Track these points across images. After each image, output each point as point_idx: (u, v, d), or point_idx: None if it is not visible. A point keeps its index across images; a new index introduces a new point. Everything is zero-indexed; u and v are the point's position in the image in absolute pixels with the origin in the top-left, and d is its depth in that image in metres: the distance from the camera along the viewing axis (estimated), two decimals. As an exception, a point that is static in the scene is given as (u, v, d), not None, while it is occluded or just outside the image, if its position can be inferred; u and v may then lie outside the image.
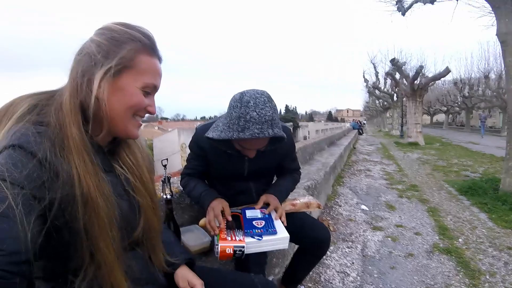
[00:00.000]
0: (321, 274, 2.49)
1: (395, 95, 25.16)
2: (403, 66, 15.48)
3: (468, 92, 28.07)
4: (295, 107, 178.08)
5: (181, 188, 1.67)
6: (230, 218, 1.39)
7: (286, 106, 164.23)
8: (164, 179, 1.42)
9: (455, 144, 14.78)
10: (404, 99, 17.94)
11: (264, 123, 1.22)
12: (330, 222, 3.71)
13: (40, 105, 0.71)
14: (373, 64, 24.92)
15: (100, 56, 0.72)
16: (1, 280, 0.50)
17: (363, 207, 4.38)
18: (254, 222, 1.40)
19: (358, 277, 2.47)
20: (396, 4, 8.41)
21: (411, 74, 14.89)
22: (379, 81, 26.33)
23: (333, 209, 4.27)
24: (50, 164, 0.63)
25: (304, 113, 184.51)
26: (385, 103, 31.04)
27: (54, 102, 0.72)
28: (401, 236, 3.33)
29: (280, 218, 1.46)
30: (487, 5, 4.97)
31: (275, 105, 1.31)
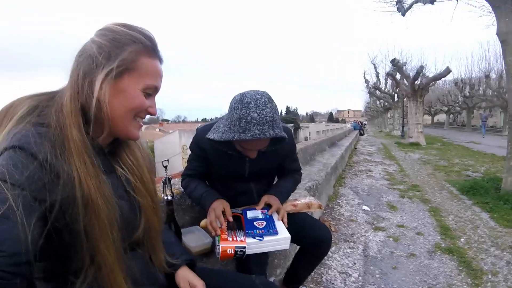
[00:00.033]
0: (322, 275, 2.49)
1: (395, 95, 25.17)
2: (404, 67, 15.48)
3: (469, 92, 28.05)
4: (296, 108, 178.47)
5: (182, 189, 1.67)
6: (231, 219, 1.39)
7: (287, 107, 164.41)
8: (165, 180, 1.43)
9: (456, 144, 14.75)
10: (405, 99, 17.94)
11: (265, 123, 1.23)
12: (331, 222, 3.70)
13: (41, 106, 0.71)
14: (374, 64, 24.94)
15: (101, 58, 0.71)
16: (1, 281, 0.51)
17: (365, 207, 4.37)
18: (255, 223, 1.40)
19: (360, 278, 2.46)
20: (396, 5, 8.42)
21: (411, 74, 14.88)
22: (380, 82, 26.34)
23: (335, 209, 4.26)
24: (51, 166, 0.63)
25: (305, 114, 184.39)
26: (386, 103, 31.03)
27: (54, 104, 0.72)
28: (402, 236, 3.32)
29: (281, 220, 1.46)
30: (487, 4, 4.97)
31: (276, 106, 1.31)
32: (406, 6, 8.27)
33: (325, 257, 1.92)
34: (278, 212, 1.50)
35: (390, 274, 2.51)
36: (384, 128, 39.57)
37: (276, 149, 1.46)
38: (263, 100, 1.25)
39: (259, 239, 1.30)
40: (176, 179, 1.90)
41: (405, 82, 15.51)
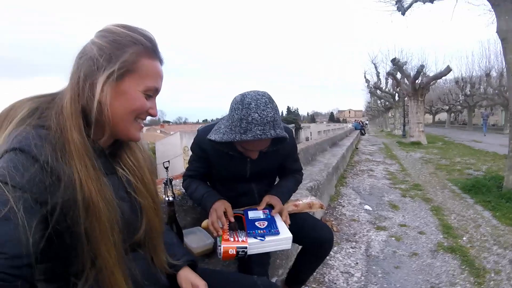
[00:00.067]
0: (325, 275, 2.48)
1: (396, 95, 25.16)
2: (404, 66, 15.45)
3: (469, 91, 28.01)
4: (297, 108, 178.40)
5: (184, 190, 1.67)
6: (232, 219, 1.39)
7: (288, 108, 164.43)
8: (166, 181, 1.43)
9: (457, 143, 14.72)
10: (406, 98, 17.94)
11: (266, 124, 1.23)
12: (333, 222, 3.70)
13: (41, 108, 0.71)
14: (374, 64, 24.95)
15: (102, 60, 0.71)
16: (3, 283, 0.51)
17: (366, 207, 4.37)
18: (256, 223, 1.39)
19: (362, 277, 2.46)
20: (396, 4, 8.41)
21: (412, 73, 14.86)
22: (381, 81, 26.34)
23: (336, 209, 4.26)
24: (52, 168, 0.63)
25: (306, 114, 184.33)
26: (387, 103, 31.03)
27: (54, 106, 0.71)
28: (405, 235, 3.32)
29: (284, 220, 1.46)
30: (487, 3, 4.96)
31: (276, 106, 1.31)
32: (406, 5, 8.27)
33: (327, 257, 1.92)
34: (280, 213, 1.50)
35: (392, 274, 2.51)
36: (385, 127, 39.49)
37: (277, 149, 1.46)
38: (264, 101, 1.25)
39: (261, 239, 1.30)
40: (178, 180, 1.91)
41: (406, 81, 15.49)
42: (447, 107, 40.82)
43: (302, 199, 1.72)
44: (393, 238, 3.23)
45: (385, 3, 8.61)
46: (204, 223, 1.50)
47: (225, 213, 1.40)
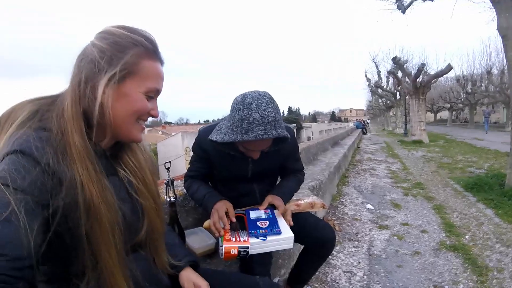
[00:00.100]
0: (327, 274, 2.48)
1: (397, 93, 25.15)
2: (405, 64, 15.45)
3: (471, 88, 27.94)
4: (298, 108, 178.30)
5: (185, 191, 1.67)
6: (234, 219, 1.39)
7: (289, 108, 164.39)
8: (168, 182, 1.43)
9: (459, 141, 14.69)
10: (407, 97, 17.91)
11: (268, 124, 1.23)
12: (335, 222, 3.70)
13: (41, 110, 0.71)
14: (375, 63, 24.96)
15: (103, 62, 0.71)
16: (4, 285, 0.51)
17: (369, 206, 4.37)
18: (258, 223, 1.39)
19: (365, 276, 2.46)
20: (396, 2, 8.41)
21: (413, 72, 14.84)
22: (382, 80, 26.33)
23: (338, 209, 4.26)
24: (53, 171, 0.63)
25: (307, 114, 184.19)
26: (388, 101, 30.99)
27: (55, 108, 0.71)
28: (407, 234, 3.31)
29: (287, 221, 1.46)
30: (487, 0, 4.95)
31: (277, 106, 1.31)
32: (406, 4, 8.27)
33: (330, 257, 1.92)
34: (284, 213, 1.50)
35: (395, 273, 2.50)
36: (387, 126, 39.44)
37: (278, 149, 1.46)
38: (265, 101, 1.25)
39: (262, 239, 1.30)
40: (179, 180, 1.91)
41: (407, 80, 15.47)
42: (449, 105, 40.75)
43: (304, 199, 1.72)
44: (396, 237, 3.23)
45: (385, 2, 8.63)
46: (206, 223, 1.50)
47: (226, 213, 1.40)
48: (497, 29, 4.70)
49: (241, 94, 1.31)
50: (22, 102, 0.72)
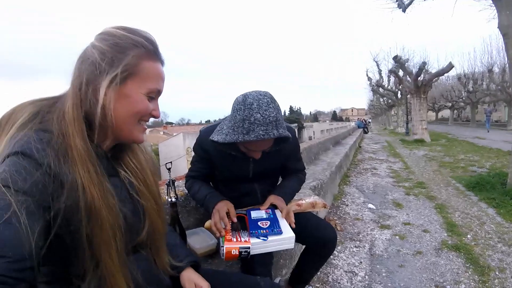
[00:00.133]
0: (329, 274, 2.48)
1: (399, 92, 25.10)
2: (406, 63, 15.41)
3: (472, 87, 27.87)
4: (300, 108, 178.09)
5: (186, 191, 1.67)
6: (235, 220, 1.39)
7: (291, 107, 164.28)
8: (169, 182, 1.43)
9: (461, 140, 14.65)
10: (409, 96, 17.89)
11: (269, 124, 1.23)
12: (337, 221, 3.69)
13: (42, 112, 0.71)
14: (376, 62, 24.95)
15: (104, 64, 0.71)
16: (5, 286, 0.51)
17: (370, 205, 4.36)
18: (259, 223, 1.39)
19: (367, 276, 2.46)
20: (397, 1, 8.39)
21: (414, 70, 14.82)
22: (383, 79, 26.32)
23: (340, 208, 4.25)
24: (55, 173, 0.63)
25: (308, 113, 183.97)
26: (390, 100, 30.98)
27: (56, 110, 0.71)
28: (409, 234, 3.31)
29: (289, 222, 1.46)
30: (488, -2, 4.95)
31: (278, 106, 1.31)
32: (406, 2, 8.25)
33: (331, 257, 1.92)
34: (286, 214, 1.50)
35: (396, 273, 2.50)
36: (388, 125, 39.38)
37: (279, 149, 1.46)
38: (266, 101, 1.25)
39: (264, 239, 1.30)
40: (181, 181, 1.91)
41: (408, 78, 15.45)
42: (450, 104, 40.64)
43: (305, 199, 1.72)
44: (397, 237, 3.22)
45: (385, 1, 8.60)
46: (207, 223, 1.51)
47: (227, 213, 1.40)
48: (498, 27, 4.69)
49: (242, 94, 1.31)
50: (22, 104, 0.72)
